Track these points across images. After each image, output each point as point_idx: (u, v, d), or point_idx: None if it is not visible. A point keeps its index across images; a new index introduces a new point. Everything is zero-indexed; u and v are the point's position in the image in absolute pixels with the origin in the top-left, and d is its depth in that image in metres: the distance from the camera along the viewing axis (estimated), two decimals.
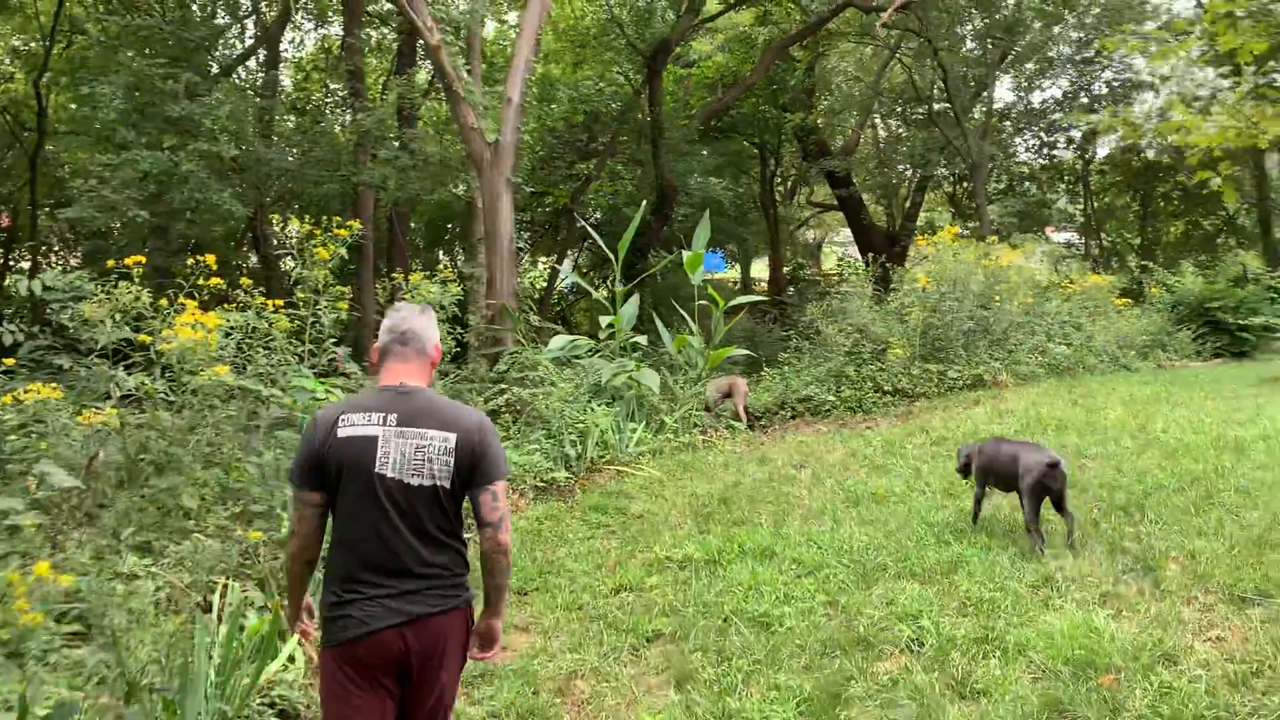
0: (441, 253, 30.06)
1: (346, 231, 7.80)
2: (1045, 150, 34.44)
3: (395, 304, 3.28)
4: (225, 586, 5.09)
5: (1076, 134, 33.61)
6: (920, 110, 29.65)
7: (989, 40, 25.70)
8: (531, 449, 8.30)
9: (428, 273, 10.47)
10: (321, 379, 7.33)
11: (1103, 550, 5.87)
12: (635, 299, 11.17)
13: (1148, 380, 13.22)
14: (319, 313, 7.43)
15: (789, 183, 33.40)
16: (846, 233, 44.50)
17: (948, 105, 27.55)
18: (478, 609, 3.11)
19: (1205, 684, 4.05)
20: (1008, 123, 32.09)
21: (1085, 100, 32.83)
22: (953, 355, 12.89)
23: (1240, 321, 19.03)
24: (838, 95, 28.98)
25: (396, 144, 15.80)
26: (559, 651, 4.95)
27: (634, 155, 21.27)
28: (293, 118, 19.88)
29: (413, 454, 2.91)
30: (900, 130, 30.96)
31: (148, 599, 4.66)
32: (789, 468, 8.98)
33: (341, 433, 2.92)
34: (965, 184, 33.50)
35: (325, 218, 7.93)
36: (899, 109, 30.90)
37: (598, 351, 10.89)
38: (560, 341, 10.66)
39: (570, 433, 8.65)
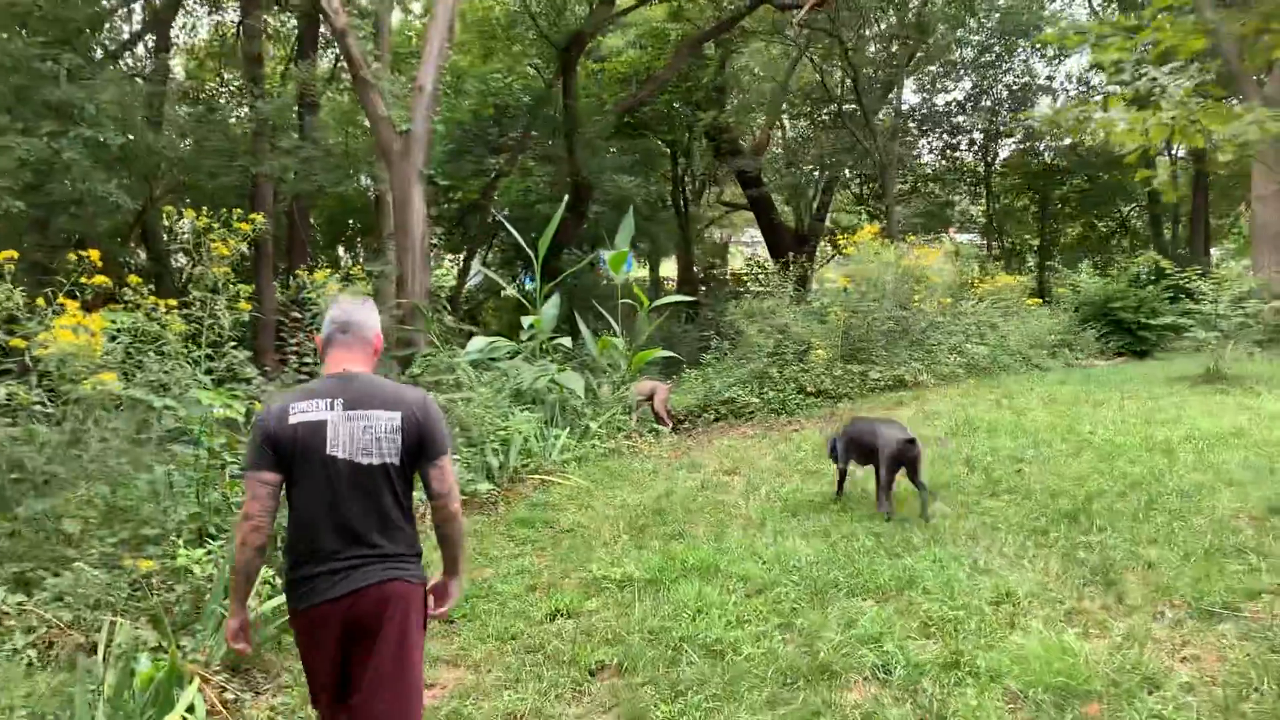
0: (342, 249, 29.07)
1: (248, 225, 7.20)
2: (948, 152, 35.06)
3: (337, 296, 3.53)
4: (113, 625, 4.50)
5: (978, 136, 34.36)
6: (829, 110, 29.80)
7: (896, 40, 25.86)
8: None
9: (333, 270, 9.93)
10: (221, 385, 6.73)
11: (1056, 561, 5.66)
12: (556, 298, 10.69)
13: (1062, 380, 13.30)
14: (217, 313, 6.80)
15: (698, 181, 33.24)
16: (752, 233, 44.67)
17: (853, 106, 27.76)
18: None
19: (1195, 711, 3.81)
20: (912, 124, 32.51)
21: (987, 104, 33.58)
22: (874, 356, 12.76)
23: (1141, 320, 19.50)
24: (748, 93, 28.92)
25: (298, 134, 15.01)
26: (494, 689, 4.48)
27: (546, 150, 20.76)
28: (185, 108, 18.83)
29: (361, 434, 3.05)
30: (809, 131, 31.03)
31: (22, 644, 4.05)
32: (720, 474, 8.65)
33: (293, 419, 3.04)
34: (871, 185, 33.86)
35: (225, 210, 7.29)
36: (807, 109, 31.02)
37: (517, 353, 10.39)
38: (479, 343, 10.11)
39: (492, 441, 8.15)
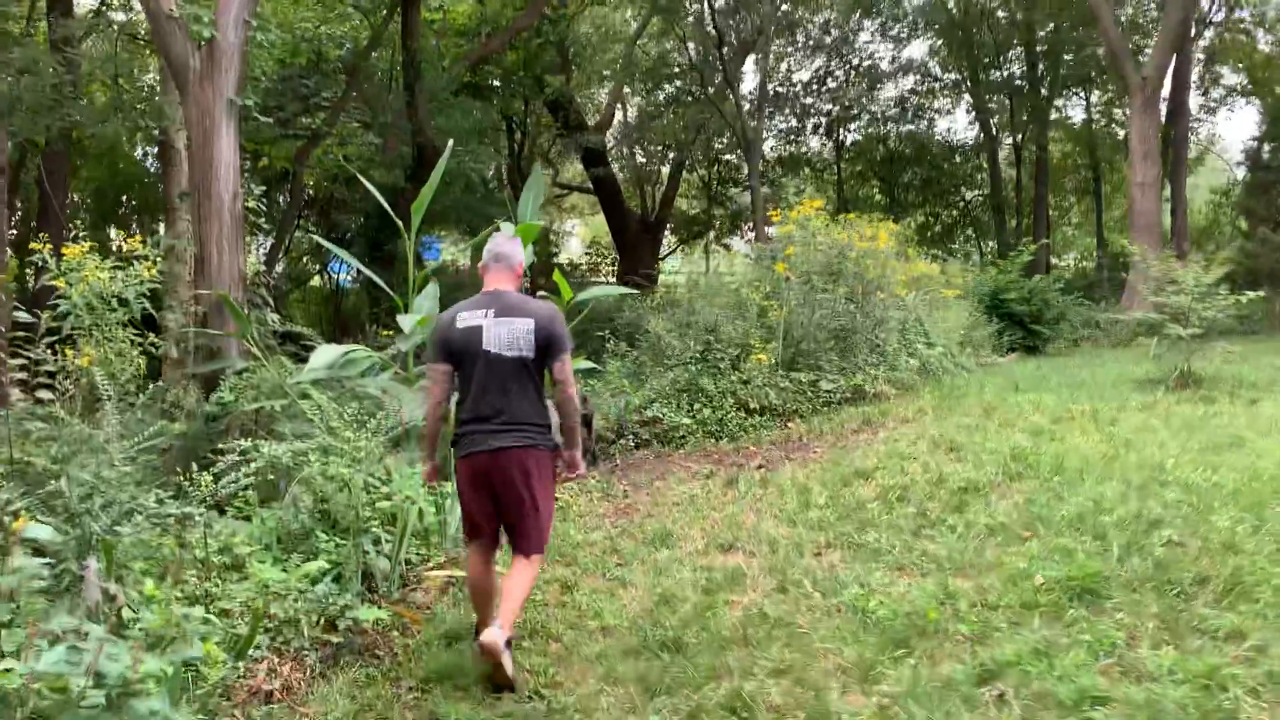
0: (114, 231, 24.32)
1: None
2: (793, 137, 33.42)
3: (494, 234, 4.88)
4: None
5: (822, 120, 32.84)
6: (681, 83, 27.35)
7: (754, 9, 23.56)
8: (300, 571, 4.51)
9: (100, 250, 6.58)
10: None
11: None
12: (434, 289, 7.50)
13: (1015, 384, 11.18)
14: None
15: (534, 159, 30.08)
16: (572, 222, 41.83)
17: (703, 84, 25.44)
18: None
19: None
20: (748, 105, 30.57)
21: (832, 85, 32.19)
22: (822, 361, 10.21)
23: (1033, 312, 18.13)
24: (593, 61, 26.06)
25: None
26: None
27: (380, 106, 17.15)
28: None
29: (506, 335, 4.14)
30: (658, 107, 28.38)
31: None
32: (716, 553, 5.78)
33: (459, 324, 4.21)
34: (717, 167, 31.73)
35: None
36: (650, 87, 28.46)
37: (382, 368, 7.13)
38: (327, 355, 6.67)
39: (373, 523, 4.95)
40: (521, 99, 24.18)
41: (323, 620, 4.32)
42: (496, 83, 22.52)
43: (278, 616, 4.20)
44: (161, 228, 22.44)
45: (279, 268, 21.92)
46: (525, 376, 4.14)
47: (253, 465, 4.80)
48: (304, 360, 7.25)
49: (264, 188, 17.38)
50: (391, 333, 8.82)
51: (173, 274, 7.45)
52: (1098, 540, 5.32)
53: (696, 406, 9.49)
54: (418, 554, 5.30)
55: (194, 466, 5.22)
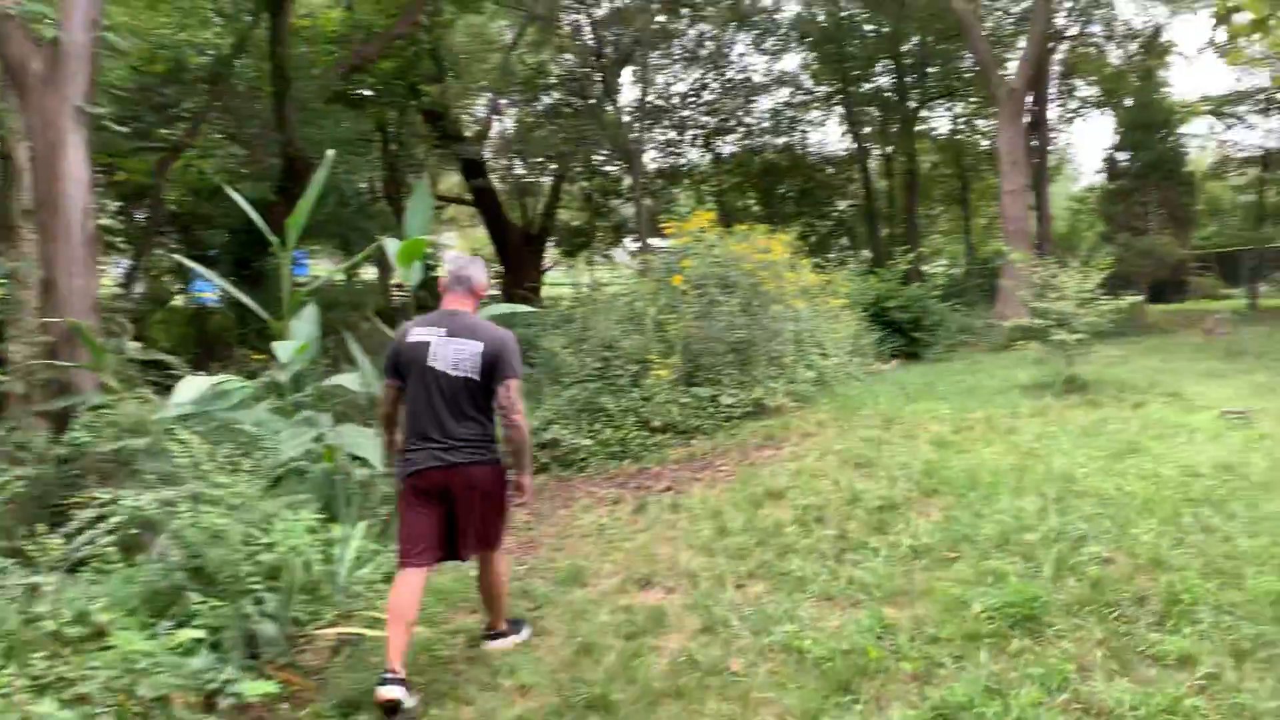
0: None
1: None
2: (669, 148, 33.36)
3: (452, 253, 5.07)
4: None
5: (700, 132, 32.90)
6: (558, 94, 26.94)
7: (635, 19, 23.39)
8: (172, 640, 3.93)
9: None
10: None
11: None
12: (313, 311, 6.91)
13: (906, 395, 11.16)
14: None
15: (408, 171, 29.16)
16: (448, 235, 40.96)
17: (583, 95, 25.15)
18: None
19: None
20: (628, 116, 30.44)
21: (709, 97, 32.23)
22: (721, 375, 9.97)
23: (911, 319, 18.39)
24: (469, 71, 25.45)
25: None
26: None
27: (242, 119, 16.21)
28: None
29: (454, 354, 4.27)
30: (537, 118, 27.88)
31: None
32: (634, 589, 5.40)
33: (409, 340, 4.37)
34: (599, 178, 31.42)
35: None
36: (529, 96, 27.99)
37: (256, 398, 6.51)
38: (194, 388, 6.04)
39: (255, 579, 4.39)
40: (396, 109, 23.43)
41: (200, 698, 3.77)
42: (369, 92, 21.72)
43: (145, 698, 3.64)
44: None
45: (138, 288, 20.60)
46: (469, 397, 4.26)
47: (112, 520, 4.20)
48: (169, 390, 6.59)
49: (120, 204, 16.24)
50: (264, 357, 8.16)
51: (16, 300, 6.67)
52: (1028, 561, 5.15)
53: (597, 426, 9.12)
54: (306, 611, 4.75)
55: (45, 518, 4.59)
